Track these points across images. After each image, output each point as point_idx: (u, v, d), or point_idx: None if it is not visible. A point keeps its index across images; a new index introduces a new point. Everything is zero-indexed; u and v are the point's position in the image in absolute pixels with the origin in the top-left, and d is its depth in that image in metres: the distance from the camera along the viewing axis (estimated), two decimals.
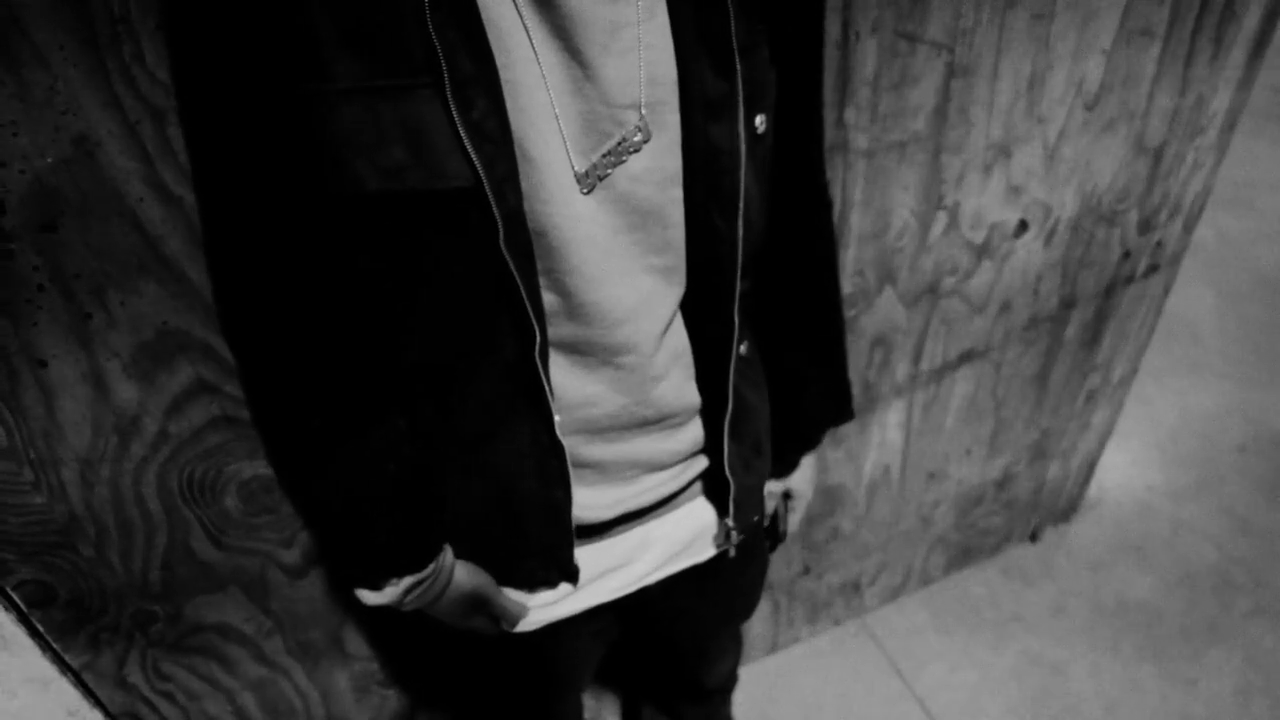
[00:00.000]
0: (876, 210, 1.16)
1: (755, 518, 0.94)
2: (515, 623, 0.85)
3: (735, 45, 0.63)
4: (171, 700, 1.06)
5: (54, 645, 0.93)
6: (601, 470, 0.79)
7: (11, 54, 0.62)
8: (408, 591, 0.78)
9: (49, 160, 0.67)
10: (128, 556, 0.91)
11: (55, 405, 0.78)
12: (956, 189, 1.20)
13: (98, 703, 1.00)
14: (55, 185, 0.68)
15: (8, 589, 0.86)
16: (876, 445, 1.50)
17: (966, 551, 1.92)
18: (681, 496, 0.88)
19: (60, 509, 0.84)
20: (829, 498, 1.53)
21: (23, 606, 0.88)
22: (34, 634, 0.91)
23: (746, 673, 1.74)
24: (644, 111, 0.63)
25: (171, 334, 0.79)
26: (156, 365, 0.80)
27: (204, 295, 0.78)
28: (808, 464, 1.02)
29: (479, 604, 0.83)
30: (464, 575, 0.81)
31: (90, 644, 0.95)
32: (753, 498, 0.92)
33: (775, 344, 0.90)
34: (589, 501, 0.80)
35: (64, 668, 0.95)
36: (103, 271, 0.73)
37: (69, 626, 0.93)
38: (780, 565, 1.60)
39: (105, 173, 0.69)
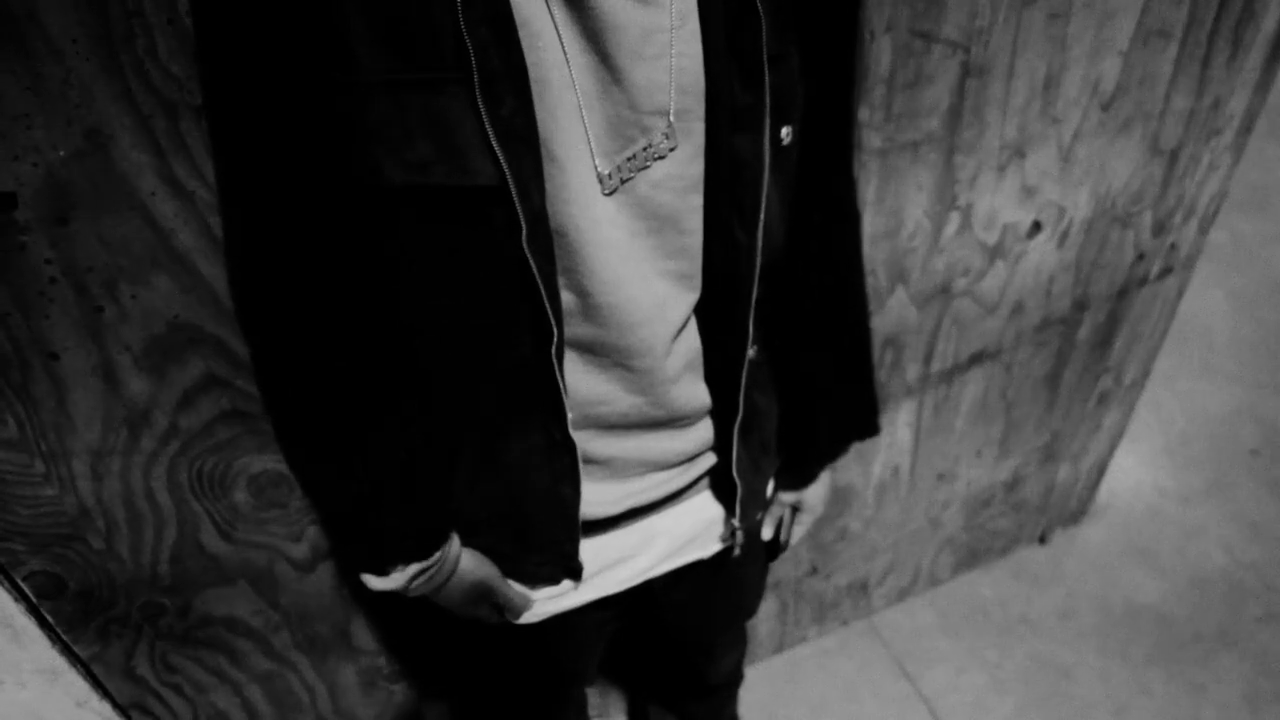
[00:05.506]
0: (889, 210, 1.15)
1: (758, 515, 0.95)
2: (520, 613, 0.86)
3: (765, 57, 0.62)
4: (179, 692, 1.06)
5: (63, 637, 0.94)
6: (610, 467, 0.79)
7: (25, 47, 0.62)
8: (413, 578, 0.78)
9: (61, 153, 0.67)
10: (137, 549, 0.91)
11: (66, 398, 0.78)
12: (970, 189, 1.20)
13: (106, 694, 1.00)
14: (68, 178, 0.68)
15: (18, 580, 0.87)
16: (886, 445, 1.50)
17: (975, 553, 1.91)
18: (687, 492, 0.88)
19: (70, 501, 0.84)
20: (838, 498, 1.53)
21: (33, 598, 0.89)
22: (44, 625, 0.91)
23: (753, 672, 1.73)
24: (672, 119, 0.62)
25: (183, 328, 0.79)
26: (167, 359, 0.80)
27: (215, 289, 0.78)
28: (823, 479, 1.01)
29: (484, 593, 0.84)
30: (470, 564, 0.82)
31: (99, 636, 0.96)
32: (758, 497, 0.92)
33: (796, 352, 0.89)
34: (596, 498, 0.80)
35: (73, 659, 0.95)
36: (115, 265, 0.73)
37: (78, 618, 0.93)
38: (788, 565, 1.60)
39: (118, 166, 0.69)
